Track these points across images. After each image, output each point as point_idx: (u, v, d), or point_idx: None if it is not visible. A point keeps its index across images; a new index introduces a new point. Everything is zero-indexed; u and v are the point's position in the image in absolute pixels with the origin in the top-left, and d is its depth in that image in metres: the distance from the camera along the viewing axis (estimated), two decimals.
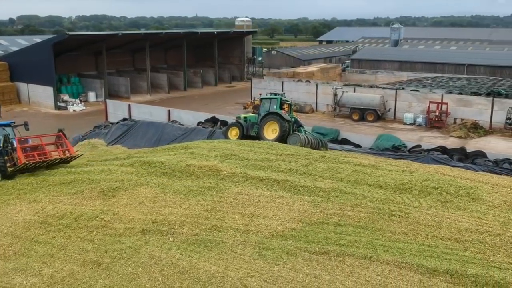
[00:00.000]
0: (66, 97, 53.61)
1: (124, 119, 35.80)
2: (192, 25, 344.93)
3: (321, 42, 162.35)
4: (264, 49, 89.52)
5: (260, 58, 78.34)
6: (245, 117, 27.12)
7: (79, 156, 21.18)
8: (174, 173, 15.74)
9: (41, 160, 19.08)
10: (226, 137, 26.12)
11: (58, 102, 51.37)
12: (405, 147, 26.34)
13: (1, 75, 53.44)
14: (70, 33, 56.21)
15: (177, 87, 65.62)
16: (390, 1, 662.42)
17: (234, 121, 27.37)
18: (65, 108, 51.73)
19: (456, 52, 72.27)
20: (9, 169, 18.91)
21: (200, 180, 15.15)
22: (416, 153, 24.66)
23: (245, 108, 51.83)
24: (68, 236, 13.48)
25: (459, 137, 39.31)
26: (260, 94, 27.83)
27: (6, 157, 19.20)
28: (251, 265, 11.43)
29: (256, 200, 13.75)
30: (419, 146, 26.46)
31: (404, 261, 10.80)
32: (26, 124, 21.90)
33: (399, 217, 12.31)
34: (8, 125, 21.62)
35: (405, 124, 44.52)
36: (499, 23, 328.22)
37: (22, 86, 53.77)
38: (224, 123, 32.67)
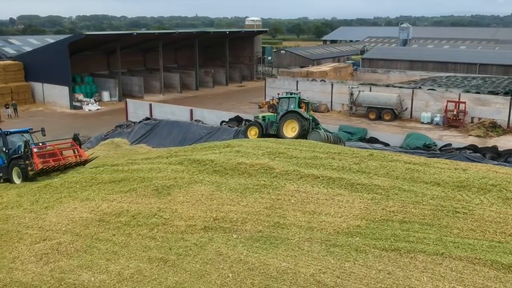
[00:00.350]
0: (80, 96, 53.73)
1: (147, 119, 35.88)
2: (192, 25, 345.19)
3: (325, 41, 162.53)
4: (273, 49, 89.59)
5: (269, 58, 78.46)
6: (263, 117, 27.83)
7: (94, 159, 23.01)
8: (226, 171, 15.81)
9: (56, 165, 21.17)
10: (245, 136, 26.78)
11: (73, 102, 51.43)
12: (435, 145, 26.46)
13: (16, 75, 53.55)
14: (87, 32, 56.20)
15: (188, 87, 65.75)
16: (389, 1, 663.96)
17: (253, 120, 27.58)
18: (80, 107, 51.84)
19: (467, 52, 72.46)
20: (30, 172, 20.75)
21: (254, 178, 15.21)
22: (448, 152, 24.77)
23: (260, 107, 51.93)
24: (129, 234, 13.54)
25: (478, 136, 39.41)
26: (279, 94, 28.30)
27: (27, 161, 20.87)
28: (321, 261, 11.48)
29: (315, 198, 13.82)
30: (449, 144, 26.57)
31: (477, 257, 10.87)
32: (43, 130, 23.46)
33: (463, 214, 12.39)
34: (26, 131, 23.29)
35: (422, 123, 44.63)
36: (499, 23, 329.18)
37: (37, 86, 53.87)
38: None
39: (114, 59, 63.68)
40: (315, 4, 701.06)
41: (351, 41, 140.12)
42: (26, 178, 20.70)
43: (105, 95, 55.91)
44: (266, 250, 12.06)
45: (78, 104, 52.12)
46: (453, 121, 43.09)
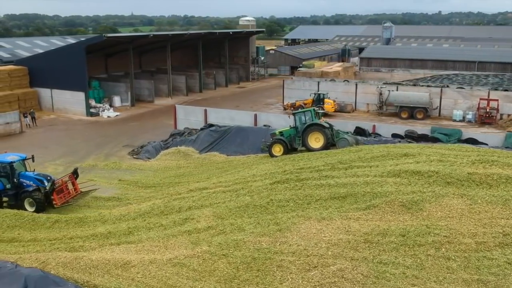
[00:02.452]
0: (92, 102, 50.61)
1: (210, 125, 34.22)
2: (131, 23, 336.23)
3: (286, 40, 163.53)
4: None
5: (262, 58, 77.70)
6: (280, 132, 28.56)
7: (95, 190, 24.96)
8: (460, 182, 15.18)
9: (69, 201, 23.75)
10: (270, 154, 27.64)
11: (89, 109, 48.36)
12: None
13: (21, 80, 49.62)
14: (108, 35, 52.83)
15: (191, 89, 63.74)
16: (324, 0, 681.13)
17: (273, 139, 28.26)
18: (96, 114, 48.78)
19: (466, 50, 74.95)
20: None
21: (499, 189, 14.72)
22: None
23: (285, 109, 51.22)
24: (414, 255, 12.66)
25: None
26: (293, 109, 28.76)
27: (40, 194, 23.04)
28: None
29: None
30: None
31: None
32: (33, 157, 25.03)
33: None
34: (24, 159, 24.64)
35: (454, 120, 45.73)
36: (429, 20, 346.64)
37: (44, 92, 50.15)
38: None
39: (113, 62, 60.74)
40: (252, 3, 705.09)
41: (316, 40, 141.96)
42: (40, 209, 22.62)
43: (117, 100, 52.95)
44: None
45: (93, 110, 48.99)
46: (485, 118, 44.46)
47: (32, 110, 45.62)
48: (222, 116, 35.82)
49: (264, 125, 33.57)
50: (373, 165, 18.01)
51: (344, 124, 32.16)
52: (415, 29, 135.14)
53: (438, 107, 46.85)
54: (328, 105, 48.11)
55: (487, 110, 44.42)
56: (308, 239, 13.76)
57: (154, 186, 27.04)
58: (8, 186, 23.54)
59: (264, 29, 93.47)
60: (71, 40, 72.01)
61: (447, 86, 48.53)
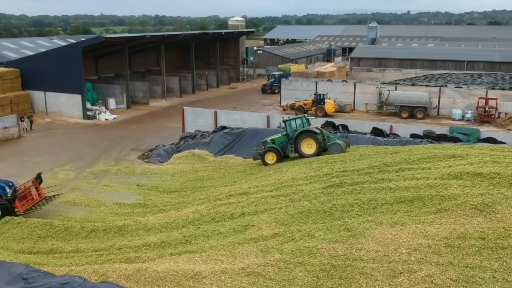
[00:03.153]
0: (87, 105, 49.33)
1: (223, 128, 33.70)
2: (101, 23, 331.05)
3: (265, 40, 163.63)
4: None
5: (251, 58, 77.35)
6: (272, 140, 28.79)
7: (60, 195, 24.62)
8: None
9: (32, 207, 22.96)
10: (263, 162, 27.84)
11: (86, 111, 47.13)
12: None
13: (12, 83, 47.95)
14: (107, 35, 51.48)
15: (184, 91, 62.92)
16: (294, 0, 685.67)
17: (266, 147, 28.37)
18: (93, 117, 47.58)
19: (454, 49, 76.19)
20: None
21: None
22: None
23: (284, 110, 51.04)
24: (498, 258, 12.56)
25: None
26: (283, 117, 29.06)
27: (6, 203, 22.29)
28: None
29: None
30: None
31: None
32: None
33: None
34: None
35: (453, 119, 46.40)
36: (398, 20, 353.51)
37: (37, 95, 48.64)
38: (344, 127, 32.05)
39: (103, 63, 59.46)
40: (223, 2, 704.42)
41: (294, 40, 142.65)
42: (3, 215, 21.87)
43: (112, 103, 51.78)
44: None
45: (90, 113, 47.76)
46: (484, 117, 45.25)
47: (30, 113, 44.15)
48: (233, 118, 35.32)
49: (278, 127, 33.23)
50: (425, 167, 17.92)
51: (360, 125, 32.16)
52: (392, 28, 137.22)
53: (437, 107, 47.45)
54: (329, 106, 48.13)
55: (486, 108, 45.22)
56: (385, 245, 13.52)
57: (177, 190, 26.44)
58: None
59: (254, 29, 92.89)
60: (58, 41, 70.18)
61: (445, 86, 49.19)
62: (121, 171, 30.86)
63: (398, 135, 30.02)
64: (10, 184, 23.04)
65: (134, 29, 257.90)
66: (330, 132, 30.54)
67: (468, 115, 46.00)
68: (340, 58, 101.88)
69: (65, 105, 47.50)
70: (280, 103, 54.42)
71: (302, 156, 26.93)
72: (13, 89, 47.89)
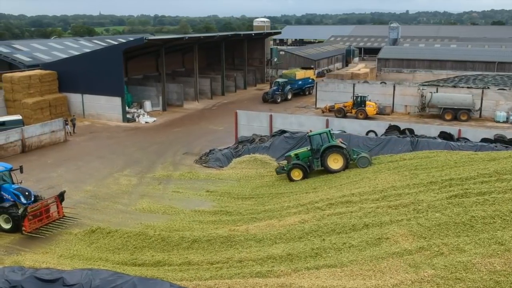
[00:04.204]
0: (126, 107, 48.67)
1: (283, 132, 33.11)
2: (100, 23, 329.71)
3: (274, 40, 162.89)
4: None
5: (275, 60, 76.75)
6: (296, 155, 28.58)
7: (77, 219, 23.02)
8: None
9: (43, 225, 21.92)
10: (289, 178, 27.56)
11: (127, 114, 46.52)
12: None
13: (50, 86, 47.30)
14: (150, 37, 50.87)
15: (214, 92, 62.22)
16: (291, 0, 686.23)
17: (291, 164, 27.88)
18: (132, 120, 46.94)
19: (485, 50, 75.49)
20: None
21: None
22: None
23: (323, 112, 50.42)
24: None
25: None
26: (308, 132, 28.47)
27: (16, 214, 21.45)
28: None
29: None
30: None
31: None
32: (21, 168, 23.78)
33: None
34: (10, 170, 23.16)
35: (497, 122, 45.88)
36: (397, 19, 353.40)
37: (75, 97, 47.99)
38: (410, 131, 31.51)
39: (132, 64, 58.72)
40: (222, 2, 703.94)
41: (302, 40, 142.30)
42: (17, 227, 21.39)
43: (147, 105, 51.12)
44: None
45: (130, 116, 47.13)
46: None
47: (73, 116, 43.51)
48: (290, 122, 34.74)
49: (339, 130, 32.66)
50: None
51: (426, 129, 31.64)
52: (403, 29, 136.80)
53: (480, 109, 46.95)
54: (370, 108, 47.54)
55: None
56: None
57: (252, 197, 25.84)
58: None
59: (280, 31, 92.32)
60: (85, 43, 69.54)
61: (488, 88, 48.68)
62: (184, 176, 30.27)
63: (468, 140, 29.48)
64: (27, 193, 22.39)
65: (135, 29, 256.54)
66: (398, 136, 30.01)
67: None
68: (357, 58, 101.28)
69: (103, 107, 46.87)
70: (316, 106, 53.84)
71: (329, 171, 27.08)
72: (50, 92, 47.24)
